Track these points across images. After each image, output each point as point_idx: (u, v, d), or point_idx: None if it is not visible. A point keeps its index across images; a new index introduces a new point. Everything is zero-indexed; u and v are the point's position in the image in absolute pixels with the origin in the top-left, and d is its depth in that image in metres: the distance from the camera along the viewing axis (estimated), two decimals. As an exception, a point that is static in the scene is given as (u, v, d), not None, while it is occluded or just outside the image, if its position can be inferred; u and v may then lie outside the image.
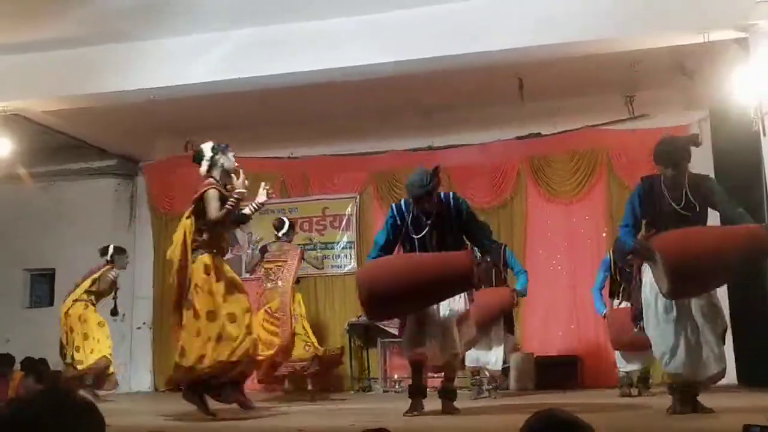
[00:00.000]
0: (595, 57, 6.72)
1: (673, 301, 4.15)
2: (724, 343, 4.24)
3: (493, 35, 6.37)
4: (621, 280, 6.36)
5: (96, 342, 7.42)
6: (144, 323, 9.63)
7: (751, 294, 6.47)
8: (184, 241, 4.84)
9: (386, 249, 4.75)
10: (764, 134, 5.83)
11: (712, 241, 4.11)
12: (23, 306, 9.92)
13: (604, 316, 6.49)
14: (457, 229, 4.72)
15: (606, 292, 6.59)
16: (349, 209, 9.23)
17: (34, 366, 7.71)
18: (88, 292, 7.59)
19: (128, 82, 7.14)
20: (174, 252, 4.87)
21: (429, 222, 4.66)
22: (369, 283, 4.48)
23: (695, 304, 4.15)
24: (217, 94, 7.30)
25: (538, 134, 8.83)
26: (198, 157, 5.08)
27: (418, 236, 4.66)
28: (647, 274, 4.28)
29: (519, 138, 8.85)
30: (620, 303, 6.41)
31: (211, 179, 4.97)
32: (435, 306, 4.67)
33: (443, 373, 4.93)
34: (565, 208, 8.64)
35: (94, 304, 7.59)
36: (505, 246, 6.92)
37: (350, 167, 9.31)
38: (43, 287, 10.01)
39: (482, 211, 8.71)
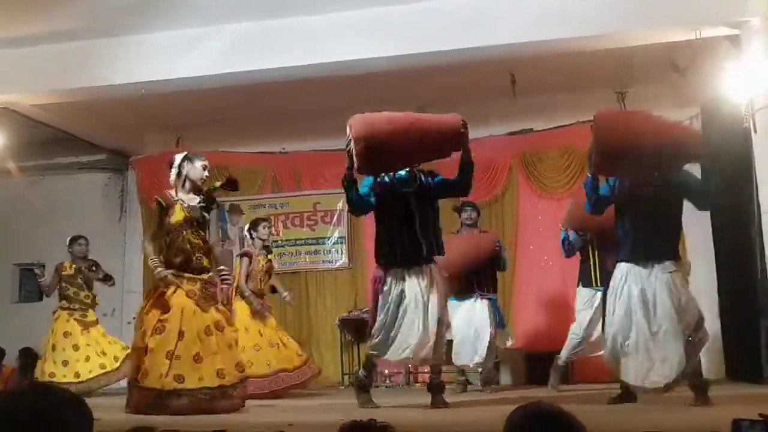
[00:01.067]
0: (587, 53, 6.72)
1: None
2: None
3: (486, 31, 6.36)
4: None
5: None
6: (134, 317, 9.57)
7: (739, 290, 6.51)
8: None
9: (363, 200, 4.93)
10: (755, 131, 5.85)
11: (649, 125, 4.36)
12: (12, 301, 9.87)
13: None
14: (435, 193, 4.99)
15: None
16: (340, 204, 9.20)
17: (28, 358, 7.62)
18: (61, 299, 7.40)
19: (119, 76, 7.09)
20: None
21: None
22: (367, 130, 4.50)
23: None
24: (208, 88, 7.27)
25: (530, 130, 8.84)
26: (171, 166, 5.20)
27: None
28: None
29: (511, 133, 8.85)
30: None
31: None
32: (416, 307, 4.70)
33: (430, 369, 4.97)
34: (556, 203, 8.63)
35: (67, 308, 7.36)
36: (499, 241, 7.04)
37: (342, 162, 9.18)
38: (32, 282, 9.94)
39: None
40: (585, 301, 6.53)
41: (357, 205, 5.00)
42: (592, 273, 6.52)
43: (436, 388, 4.93)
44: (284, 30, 6.71)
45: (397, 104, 8.46)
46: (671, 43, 6.52)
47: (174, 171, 5.16)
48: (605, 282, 6.32)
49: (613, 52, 6.75)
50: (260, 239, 7.15)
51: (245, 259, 7.05)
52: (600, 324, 6.27)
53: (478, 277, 6.69)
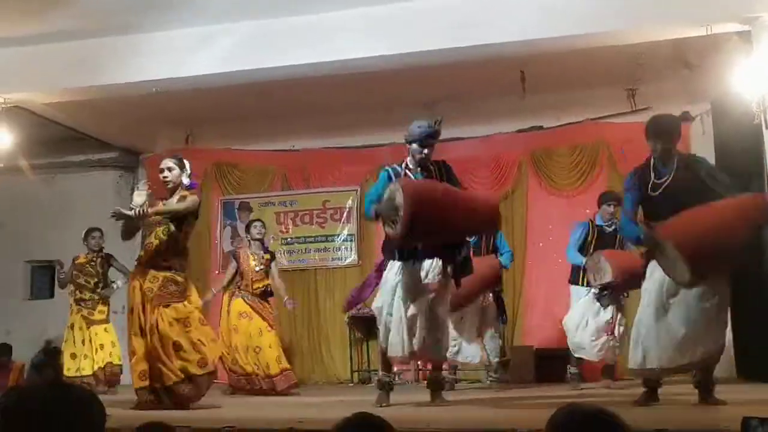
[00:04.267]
0: (597, 50, 6.69)
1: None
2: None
3: (495, 28, 6.35)
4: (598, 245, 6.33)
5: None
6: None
7: (750, 287, 6.48)
8: None
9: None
10: (766, 127, 5.82)
11: (714, 216, 4.04)
12: (24, 298, 9.94)
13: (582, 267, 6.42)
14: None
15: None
16: (349, 202, 9.23)
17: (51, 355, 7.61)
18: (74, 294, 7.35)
19: (129, 75, 7.12)
20: None
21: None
22: (414, 204, 4.35)
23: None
24: (218, 86, 7.29)
25: (540, 127, 8.82)
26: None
27: None
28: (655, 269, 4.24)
29: (520, 131, 8.84)
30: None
31: None
32: (426, 304, 4.67)
33: (431, 365, 4.95)
34: (566, 201, 8.63)
35: (81, 303, 7.28)
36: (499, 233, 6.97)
37: (351, 160, 9.30)
38: (44, 279, 10.02)
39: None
40: (578, 297, 6.60)
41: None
42: (581, 271, 6.52)
43: (436, 384, 4.90)
44: (295, 28, 6.72)
45: (406, 102, 8.53)
46: (681, 39, 6.48)
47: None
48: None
49: (623, 48, 6.73)
50: (254, 239, 7.17)
51: (239, 253, 7.15)
52: (595, 325, 6.31)
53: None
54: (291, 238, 9.34)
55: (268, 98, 8.11)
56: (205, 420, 4.18)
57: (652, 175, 4.31)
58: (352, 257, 9.17)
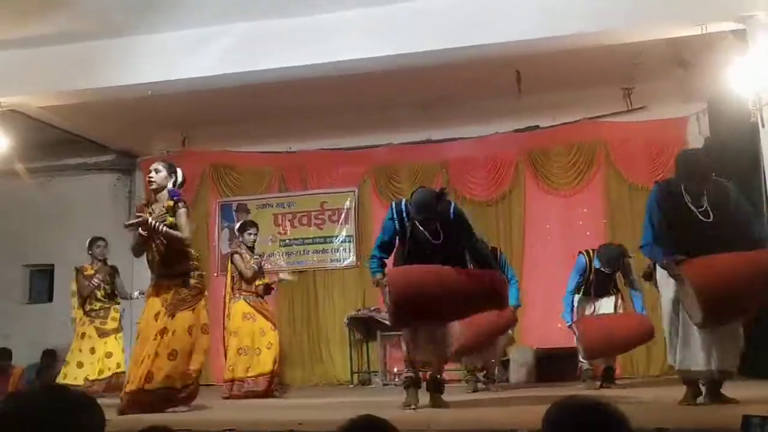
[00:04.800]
0: (593, 49, 6.70)
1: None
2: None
3: (491, 28, 6.35)
4: (596, 283, 6.36)
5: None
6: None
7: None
8: None
9: (386, 249, 4.72)
10: (762, 126, 5.82)
11: (743, 268, 3.97)
12: (22, 302, 9.92)
13: (570, 326, 6.40)
14: (457, 240, 4.63)
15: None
16: (347, 203, 9.23)
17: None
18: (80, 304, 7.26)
19: (125, 77, 7.10)
20: None
21: (433, 232, 4.59)
22: (399, 295, 4.34)
23: None
24: (214, 88, 7.28)
25: (537, 127, 8.83)
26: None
27: (423, 247, 4.58)
28: (667, 289, 4.22)
29: (517, 131, 8.85)
30: (593, 308, 6.45)
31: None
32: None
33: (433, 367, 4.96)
34: (563, 200, 8.64)
35: (92, 314, 7.19)
36: (499, 250, 6.80)
37: (348, 161, 9.31)
38: (42, 283, 10.01)
39: (480, 204, 8.74)
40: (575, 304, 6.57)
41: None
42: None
43: (436, 386, 4.87)
44: (290, 30, 6.71)
45: (402, 103, 8.54)
46: (677, 38, 6.49)
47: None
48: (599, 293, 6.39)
49: (618, 48, 6.73)
50: (248, 247, 7.15)
51: (237, 257, 7.06)
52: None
53: None
54: (289, 239, 9.34)
55: (265, 100, 8.10)
56: (205, 423, 4.18)
57: (685, 197, 4.16)
58: (350, 258, 9.17)
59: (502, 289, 4.62)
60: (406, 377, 4.86)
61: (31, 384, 7.51)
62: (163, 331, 4.90)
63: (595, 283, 6.40)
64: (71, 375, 6.99)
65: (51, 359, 8.36)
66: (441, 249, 4.58)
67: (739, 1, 5.86)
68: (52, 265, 9.69)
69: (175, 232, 4.97)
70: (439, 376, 4.92)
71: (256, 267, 7.03)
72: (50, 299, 9.66)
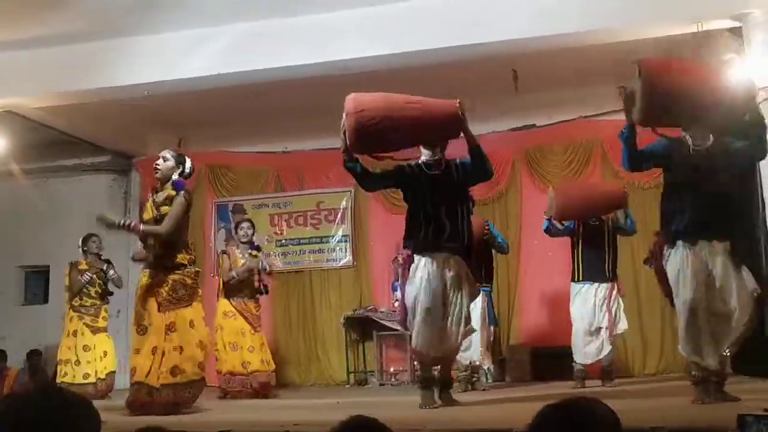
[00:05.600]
0: (589, 48, 6.70)
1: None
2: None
3: (488, 27, 6.36)
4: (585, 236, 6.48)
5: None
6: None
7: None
8: None
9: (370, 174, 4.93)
10: (758, 123, 5.82)
11: (700, 74, 4.09)
12: (18, 303, 9.90)
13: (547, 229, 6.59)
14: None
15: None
16: (343, 203, 9.22)
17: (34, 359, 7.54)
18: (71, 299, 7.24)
19: (121, 78, 7.10)
20: None
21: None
22: (358, 106, 4.49)
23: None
24: (210, 89, 7.27)
25: (533, 125, 8.83)
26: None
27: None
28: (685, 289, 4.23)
29: (514, 129, 8.84)
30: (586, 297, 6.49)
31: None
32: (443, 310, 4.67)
33: (440, 365, 4.95)
34: (560, 199, 8.63)
35: (82, 310, 7.19)
36: (488, 221, 7.04)
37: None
38: (37, 284, 9.99)
39: (477, 202, 8.71)
40: (573, 294, 6.58)
41: (364, 180, 4.96)
42: (574, 266, 6.54)
43: (444, 383, 4.87)
44: (286, 29, 6.71)
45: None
46: (673, 36, 6.49)
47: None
48: (589, 276, 6.38)
49: (614, 46, 6.73)
50: (241, 242, 7.14)
51: (224, 256, 7.10)
52: (595, 319, 6.32)
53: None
54: (285, 239, 9.33)
55: (261, 100, 8.08)
56: (200, 424, 4.18)
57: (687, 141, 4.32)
58: (347, 258, 9.16)
59: (454, 113, 4.85)
60: (422, 378, 4.84)
61: (23, 385, 7.48)
62: (170, 326, 4.89)
63: (583, 235, 6.45)
64: (71, 374, 6.99)
65: (37, 359, 8.34)
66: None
67: (735, -1, 5.88)
68: (48, 266, 9.66)
69: (153, 228, 4.95)
70: (448, 373, 4.92)
71: (247, 264, 7.00)
72: (46, 300, 9.63)
